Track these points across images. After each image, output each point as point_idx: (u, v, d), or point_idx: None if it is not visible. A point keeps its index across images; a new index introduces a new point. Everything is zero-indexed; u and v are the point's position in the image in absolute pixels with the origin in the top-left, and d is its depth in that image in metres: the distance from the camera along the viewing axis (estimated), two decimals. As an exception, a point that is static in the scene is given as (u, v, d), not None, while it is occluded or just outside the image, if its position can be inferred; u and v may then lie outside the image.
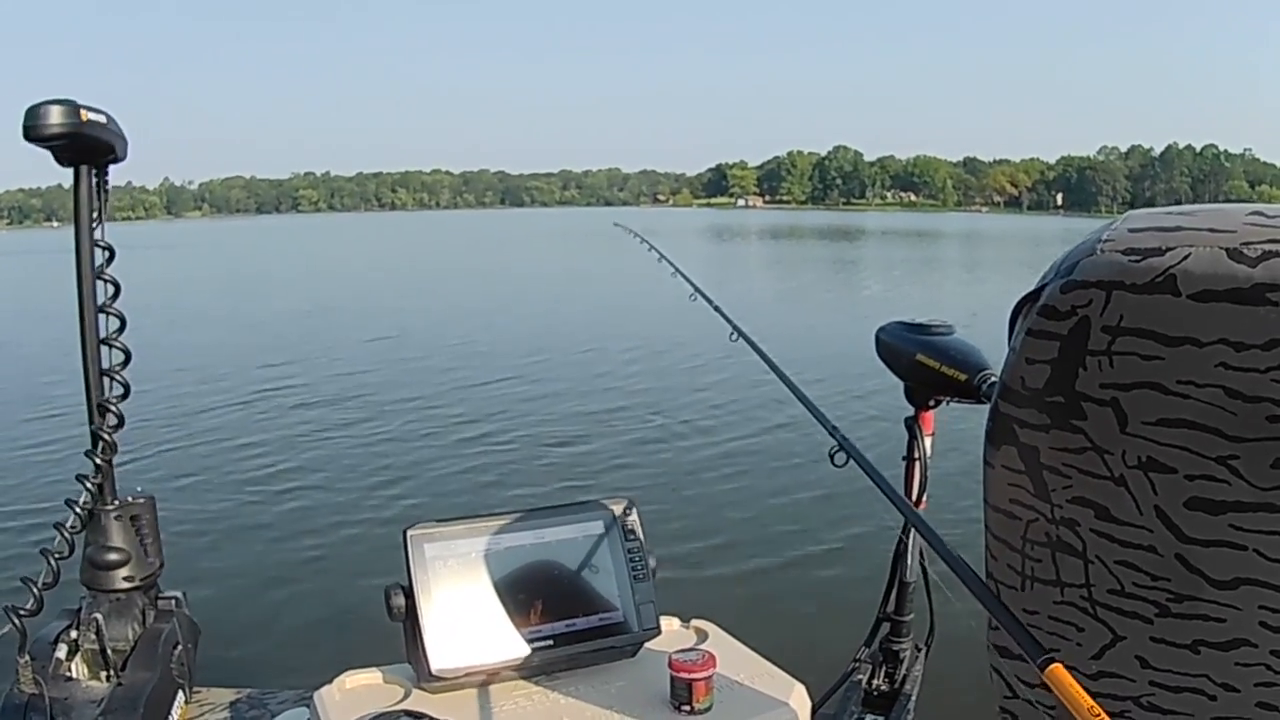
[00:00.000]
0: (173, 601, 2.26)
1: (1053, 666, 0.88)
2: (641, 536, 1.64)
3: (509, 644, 1.53)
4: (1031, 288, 0.82)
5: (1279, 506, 0.73)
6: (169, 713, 2.05)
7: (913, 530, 2.06)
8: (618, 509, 1.65)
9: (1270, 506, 0.73)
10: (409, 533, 1.54)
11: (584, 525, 1.63)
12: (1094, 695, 0.94)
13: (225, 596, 4.84)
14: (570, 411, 7.96)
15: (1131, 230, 0.77)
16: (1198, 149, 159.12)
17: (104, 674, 2.03)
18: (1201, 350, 0.72)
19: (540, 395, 8.52)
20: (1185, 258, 0.72)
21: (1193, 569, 0.80)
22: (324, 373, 10.07)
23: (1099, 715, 0.79)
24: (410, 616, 1.51)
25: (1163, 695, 0.91)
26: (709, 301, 2.36)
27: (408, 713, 1.45)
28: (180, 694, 2.12)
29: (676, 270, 2.56)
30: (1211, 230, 0.73)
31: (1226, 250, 0.71)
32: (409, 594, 1.51)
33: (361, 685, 1.61)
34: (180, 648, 2.17)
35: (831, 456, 1.75)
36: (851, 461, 1.65)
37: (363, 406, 8.86)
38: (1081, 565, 0.90)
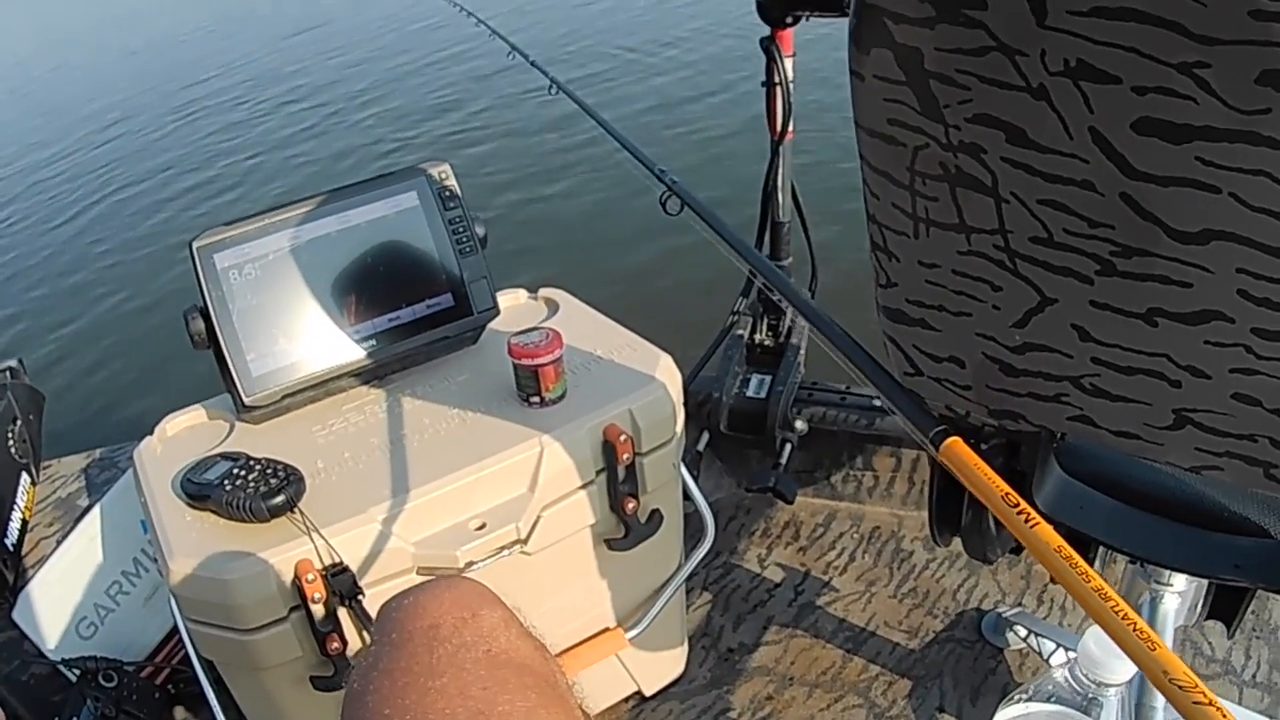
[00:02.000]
0: (6, 374, 2.12)
1: (950, 441, 0.71)
2: (464, 203, 1.44)
3: (328, 353, 1.39)
4: None
5: (1265, 137, 0.54)
6: (14, 499, 1.93)
7: (780, 161, 1.89)
8: (433, 172, 1.45)
9: (1253, 136, 0.56)
10: (194, 244, 1.35)
11: (395, 199, 1.45)
12: (1020, 373, 0.80)
13: (66, 352, 4.54)
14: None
15: None
16: None
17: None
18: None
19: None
20: None
21: (1146, 215, 0.64)
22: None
23: (1019, 506, 0.63)
24: (213, 342, 1.35)
25: (1110, 377, 0.77)
26: (524, 57, 2.15)
27: (224, 456, 1.32)
28: (25, 475, 2.00)
29: (493, 31, 2.28)
30: None
31: None
32: (207, 316, 1.34)
33: (184, 429, 1.48)
34: (19, 423, 2.03)
35: (663, 204, 1.57)
36: (688, 207, 1.51)
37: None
38: (992, 204, 0.73)
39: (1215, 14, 0.54)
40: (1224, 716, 0.53)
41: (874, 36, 0.68)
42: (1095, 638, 0.98)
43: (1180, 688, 0.55)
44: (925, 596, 1.85)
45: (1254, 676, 1.61)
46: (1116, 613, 0.58)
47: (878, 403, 2.06)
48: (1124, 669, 0.98)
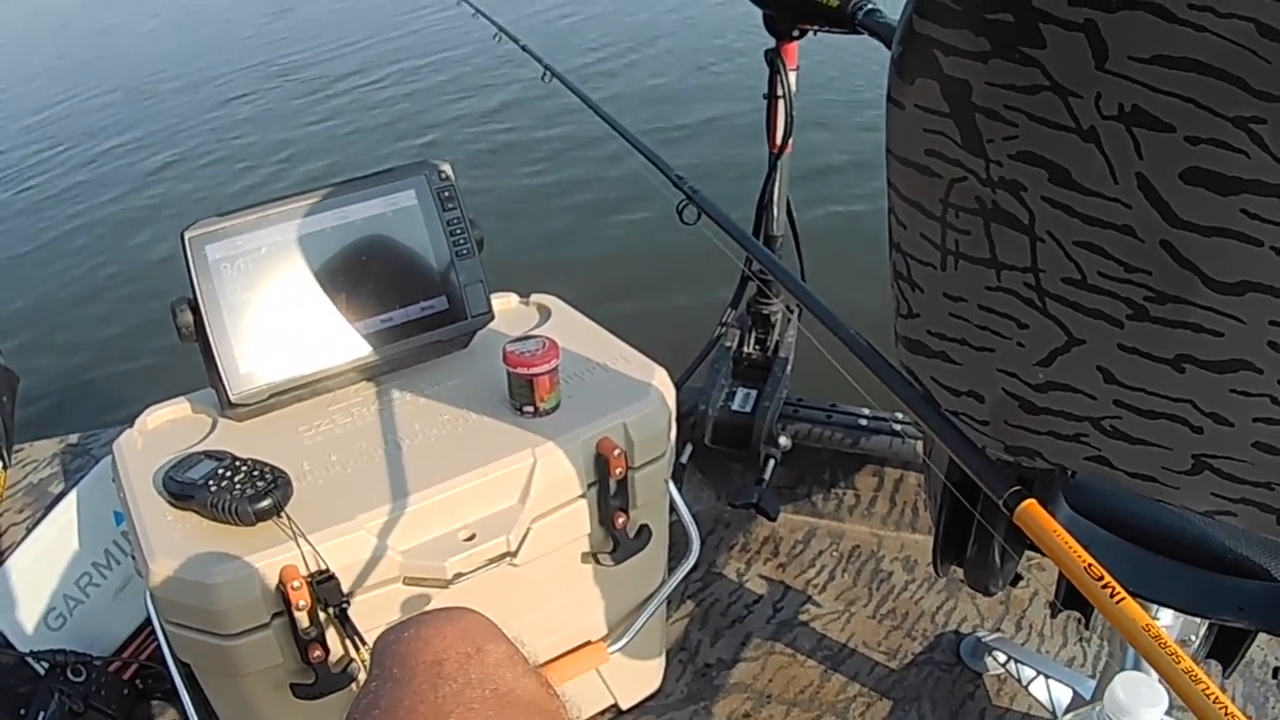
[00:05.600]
0: None
1: (1027, 504, 0.70)
2: (463, 204, 1.42)
3: (317, 352, 1.37)
4: None
5: None
6: (-14, 485, 1.91)
7: (777, 176, 1.88)
8: (434, 171, 1.44)
9: None
10: (186, 234, 1.32)
11: (393, 197, 1.43)
12: (1041, 411, 0.80)
13: (43, 334, 4.46)
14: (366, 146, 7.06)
15: None
16: None
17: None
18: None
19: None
20: None
21: (1184, 263, 0.63)
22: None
23: (1103, 579, 0.62)
24: (201, 336, 1.33)
25: (1131, 420, 0.76)
26: (514, 41, 2.16)
27: (208, 454, 1.29)
28: None
29: (476, 10, 2.30)
30: None
31: None
32: (195, 309, 1.32)
33: (166, 422, 1.45)
34: None
35: (679, 212, 1.57)
36: (705, 215, 1.51)
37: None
38: (1026, 242, 0.73)
39: (1277, 71, 0.54)
40: None
41: (920, 66, 0.67)
42: (1124, 685, 0.97)
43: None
44: (904, 618, 1.86)
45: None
46: (1208, 696, 0.58)
47: (863, 422, 2.07)
48: (1151, 717, 0.97)
